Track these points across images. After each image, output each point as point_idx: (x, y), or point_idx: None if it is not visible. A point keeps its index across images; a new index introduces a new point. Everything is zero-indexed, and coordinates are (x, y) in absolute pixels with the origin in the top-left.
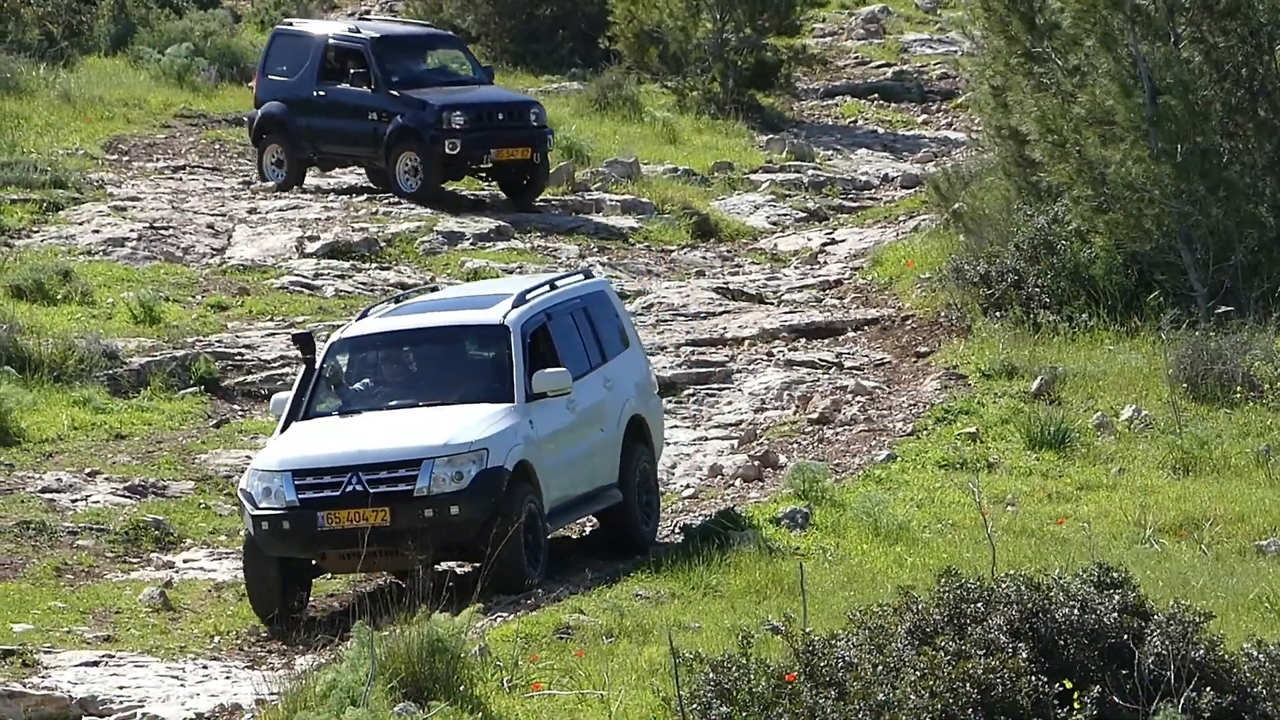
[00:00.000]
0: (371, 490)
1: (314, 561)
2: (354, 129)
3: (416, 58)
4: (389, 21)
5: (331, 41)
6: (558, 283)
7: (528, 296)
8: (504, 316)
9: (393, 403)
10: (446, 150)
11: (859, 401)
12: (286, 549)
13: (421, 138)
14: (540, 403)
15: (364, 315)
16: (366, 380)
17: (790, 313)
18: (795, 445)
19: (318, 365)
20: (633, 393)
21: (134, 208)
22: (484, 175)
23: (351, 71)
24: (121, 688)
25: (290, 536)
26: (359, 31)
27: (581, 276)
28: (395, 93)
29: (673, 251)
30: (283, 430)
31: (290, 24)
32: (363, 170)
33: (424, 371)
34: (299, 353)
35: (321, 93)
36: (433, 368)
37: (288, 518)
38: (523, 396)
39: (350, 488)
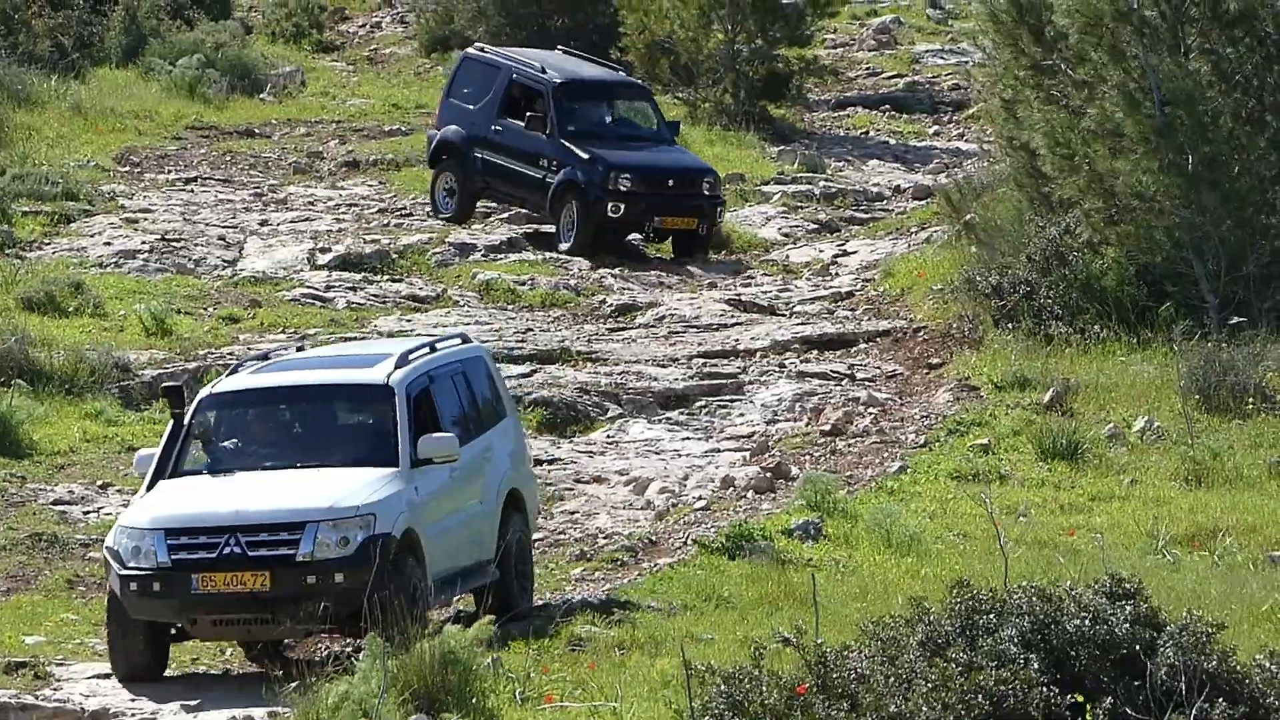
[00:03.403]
0: (250, 553)
1: (182, 626)
2: (524, 173)
3: (599, 106)
4: (581, 59)
5: (516, 77)
6: (437, 345)
7: (410, 357)
8: (388, 376)
9: (268, 463)
10: (609, 212)
11: (871, 413)
12: (156, 612)
13: (585, 195)
14: (424, 469)
15: (235, 370)
16: (239, 439)
17: (802, 324)
18: (807, 457)
19: (187, 420)
20: (509, 464)
21: (145, 220)
22: (649, 237)
23: (529, 115)
24: (133, 700)
25: (161, 599)
26: (544, 72)
27: (459, 341)
28: (569, 143)
29: (685, 263)
30: (148, 488)
31: (481, 49)
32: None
33: (301, 431)
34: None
35: (499, 128)
36: (311, 428)
37: (158, 579)
38: (408, 462)
39: (227, 550)
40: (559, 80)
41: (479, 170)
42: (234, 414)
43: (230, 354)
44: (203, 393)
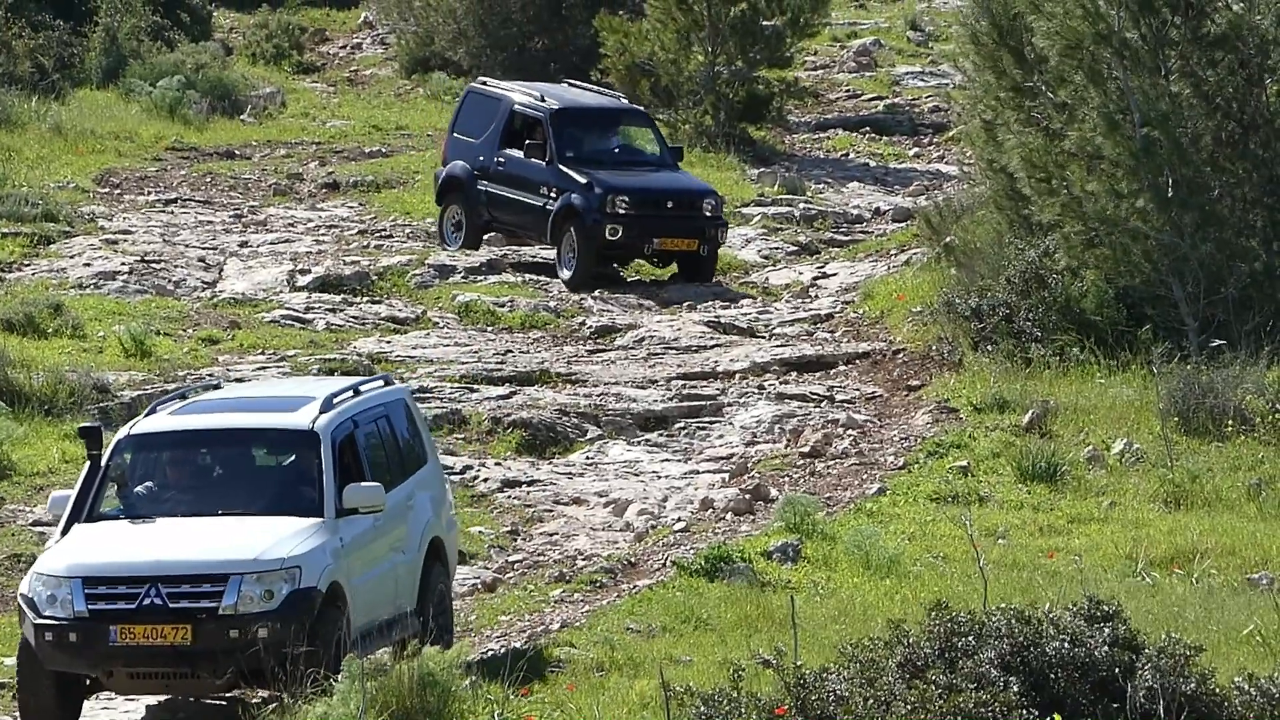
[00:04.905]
0: (171, 605)
1: (97, 678)
2: (525, 202)
3: (599, 133)
4: (582, 89)
5: (517, 108)
6: (361, 388)
7: (335, 401)
8: (313, 422)
9: (188, 510)
10: (607, 235)
11: (850, 435)
12: (71, 663)
13: (584, 220)
14: (348, 519)
15: (153, 411)
16: (158, 483)
17: (781, 346)
18: (786, 478)
19: (104, 462)
20: (431, 512)
21: (125, 241)
22: (653, 261)
23: (528, 143)
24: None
25: (77, 650)
26: (543, 100)
27: (382, 383)
28: (567, 169)
29: (664, 285)
30: (64, 532)
31: (484, 83)
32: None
33: (223, 477)
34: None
35: (501, 160)
36: (233, 473)
37: (75, 629)
38: (333, 511)
39: (148, 600)
40: (557, 107)
41: (483, 203)
42: (153, 457)
43: (209, 375)
44: (121, 433)
